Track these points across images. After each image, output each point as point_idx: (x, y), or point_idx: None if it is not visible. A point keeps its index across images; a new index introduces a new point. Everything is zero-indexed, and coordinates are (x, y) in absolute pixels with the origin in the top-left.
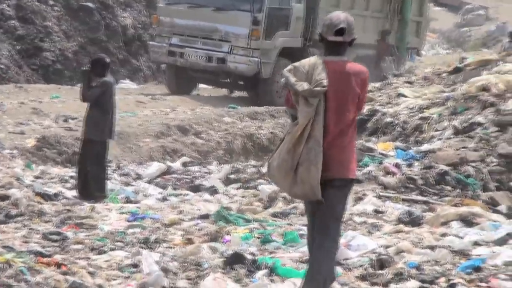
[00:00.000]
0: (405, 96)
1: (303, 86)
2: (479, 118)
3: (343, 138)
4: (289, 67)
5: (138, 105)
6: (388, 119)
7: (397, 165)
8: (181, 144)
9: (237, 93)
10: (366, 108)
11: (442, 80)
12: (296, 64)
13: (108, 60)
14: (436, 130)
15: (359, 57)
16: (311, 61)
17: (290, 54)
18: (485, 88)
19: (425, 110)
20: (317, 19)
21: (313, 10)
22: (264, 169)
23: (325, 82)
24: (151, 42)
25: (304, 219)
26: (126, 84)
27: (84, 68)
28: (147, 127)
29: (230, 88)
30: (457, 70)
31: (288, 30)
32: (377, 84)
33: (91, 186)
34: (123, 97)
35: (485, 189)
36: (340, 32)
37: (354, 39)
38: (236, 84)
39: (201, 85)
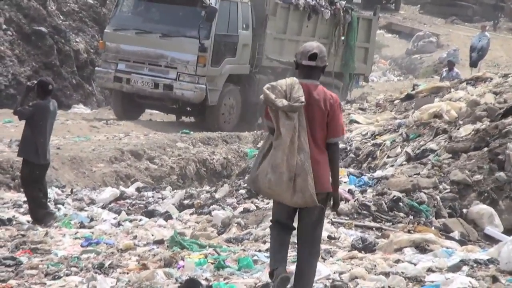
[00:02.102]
0: (358, 123)
1: (283, 102)
2: (432, 145)
3: (320, 154)
4: (267, 85)
5: (92, 130)
6: (341, 146)
7: (350, 192)
8: (135, 169)
9: (190, 118)
10: None
11: (394, 107)
12: (273, 83)
13: (50, 85)
14: (389, 157)
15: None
16: (288, 81)
17: (237, 81)
18: (437, 115)
19: (377, 137)
20: (263, 45)
21: (260, 37)
22: (248, 183)
23: (302, 98)
24: (97, 68)
25: (258, 244)
26: (79, 109)
27: (29, 84)
28: (100, 152)
29: (177, 114)
30: (409, 97)
31: (235, 57)
32: None
33: (32, 207)
34: (77, 121)
35: (437, 215)
36: (313, 57)
37: (325, 66)
38: (184, 110)
39: (154, 111)
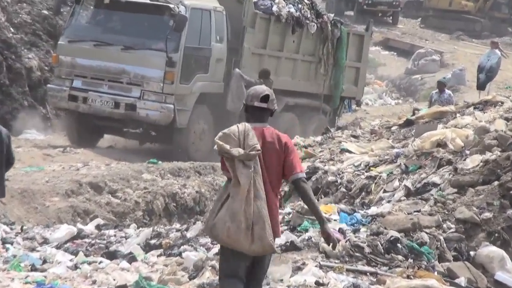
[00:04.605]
0: (350, 152)
1: (239, 151)
2: (434, 178)
3: (274, 199)
4: (219, 134)
5: (45, 158)
6: (331, 178)
7: (341, 231)
8: (94, 204)
9: (154, 144)
10: (306, 165)
11: (391, 134)
12: (226, 131)
13: None
14: (385, 191)
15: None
16: (240, 128)
17: (210, 101)
18: (440, 144)
19: (372, 168)
20: (240, 61)
21: (236, 51)
22: (204, 231)
23: (258, 146)
24: (49, 85)
25: None
26: (31, 134)
27: None
28: (55, 184)
29: (141, 139)
30: (408, 123)
31: (207, 73)
32: (318, 138)
33: None
34: (28, 149)
35: (441, 259)
36: (265, 99)
37: (274, 110)
38: (148, 135)
39: (116, 136)
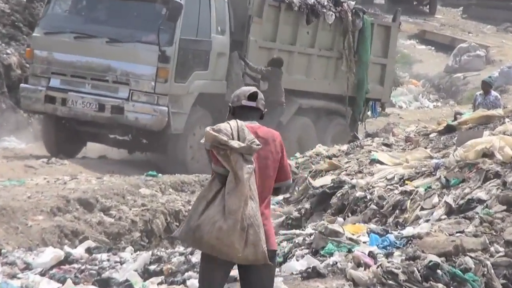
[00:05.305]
0: (382, 163)
1: (239, 143)
2: (480, 193)
3: (266, 205)
4: (210, 127)
5: (27, 170)
6: (359, 194)
7: (371, 255)
8: (84, 224)
9: (145, 154)
10: (330, 179)
11: (429, 142)
12: (214, 127)
13: None
14: (423, 209)
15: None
16: (232, 124)
17: (210, 103)
18: (486, 154)
19: (407, 182)
20: (246, 56)
21: (241, 44)
22: (181, 235)
23: (257, 141)
24: (22, 85)
25: None
26: (11, 142)
27: None
28: (39, 201)
29: (130, 148)
30: (449, 130)
31: (207, 70)
32: (344, 147)
33: None
34: (7, 159)
35: (488, 287)
36: (253, 97)
37: (264, 113)
38: (138, 142)
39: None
